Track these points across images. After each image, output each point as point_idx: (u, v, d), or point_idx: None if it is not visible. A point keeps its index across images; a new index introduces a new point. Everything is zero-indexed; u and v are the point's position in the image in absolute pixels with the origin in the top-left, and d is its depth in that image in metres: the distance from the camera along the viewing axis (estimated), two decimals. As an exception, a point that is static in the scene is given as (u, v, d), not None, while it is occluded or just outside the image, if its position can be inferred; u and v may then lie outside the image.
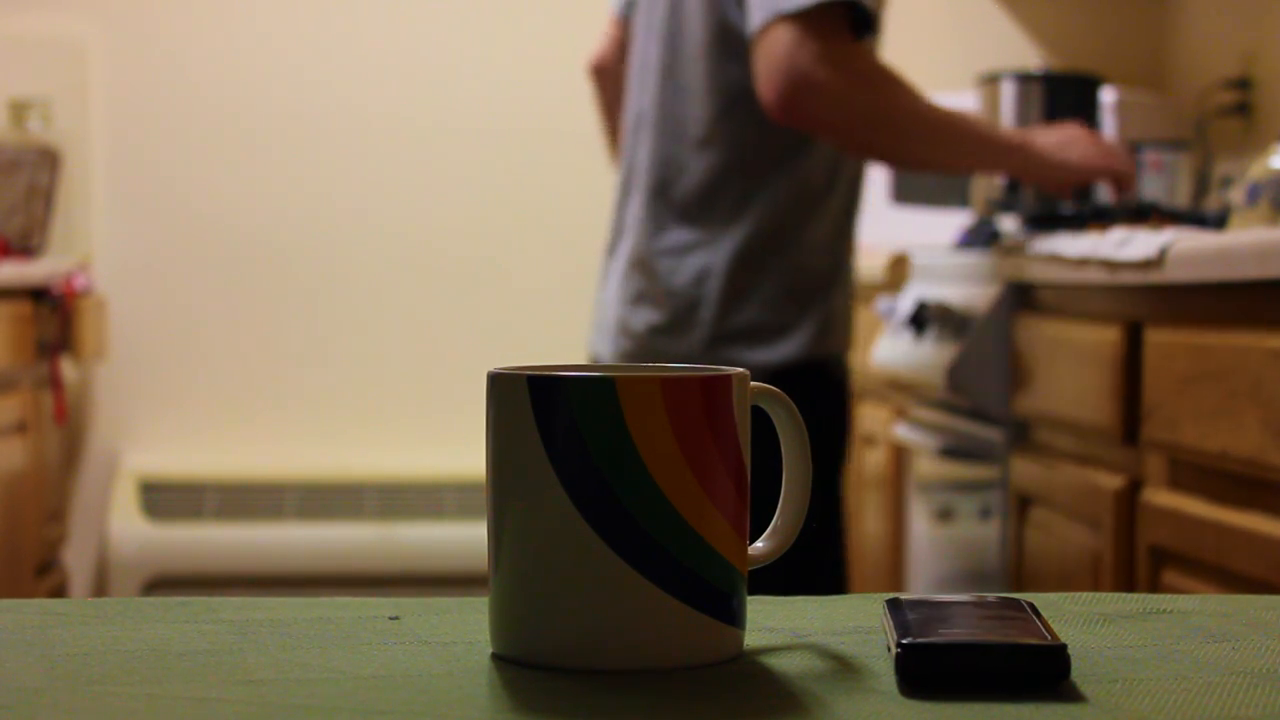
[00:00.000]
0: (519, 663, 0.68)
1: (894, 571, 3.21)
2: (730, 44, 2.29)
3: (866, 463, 3.44)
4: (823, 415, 2.31)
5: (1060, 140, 2.46)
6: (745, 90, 2.28)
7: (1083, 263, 2.29)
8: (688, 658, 0.67)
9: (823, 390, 2.33)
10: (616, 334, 2.37)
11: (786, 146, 2.32)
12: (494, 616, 0.69)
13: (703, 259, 2.30)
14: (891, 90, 2.33)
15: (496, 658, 0.69)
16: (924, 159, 2.47)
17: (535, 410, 0.67)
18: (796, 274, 2.33)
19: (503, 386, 0.68)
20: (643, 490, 0.66)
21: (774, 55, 2.16)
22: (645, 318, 2.33)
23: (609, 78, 2.61)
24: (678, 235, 2.32)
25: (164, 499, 3.82)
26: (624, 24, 2.54)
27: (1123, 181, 2.53)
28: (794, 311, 2.31)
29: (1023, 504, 2.60)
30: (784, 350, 2.30)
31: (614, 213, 2.45)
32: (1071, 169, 2.46)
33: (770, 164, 2.32)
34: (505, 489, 0.68)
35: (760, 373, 2.20)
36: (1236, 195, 2.26)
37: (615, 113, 2.61)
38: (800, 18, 2.15)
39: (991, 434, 2.74)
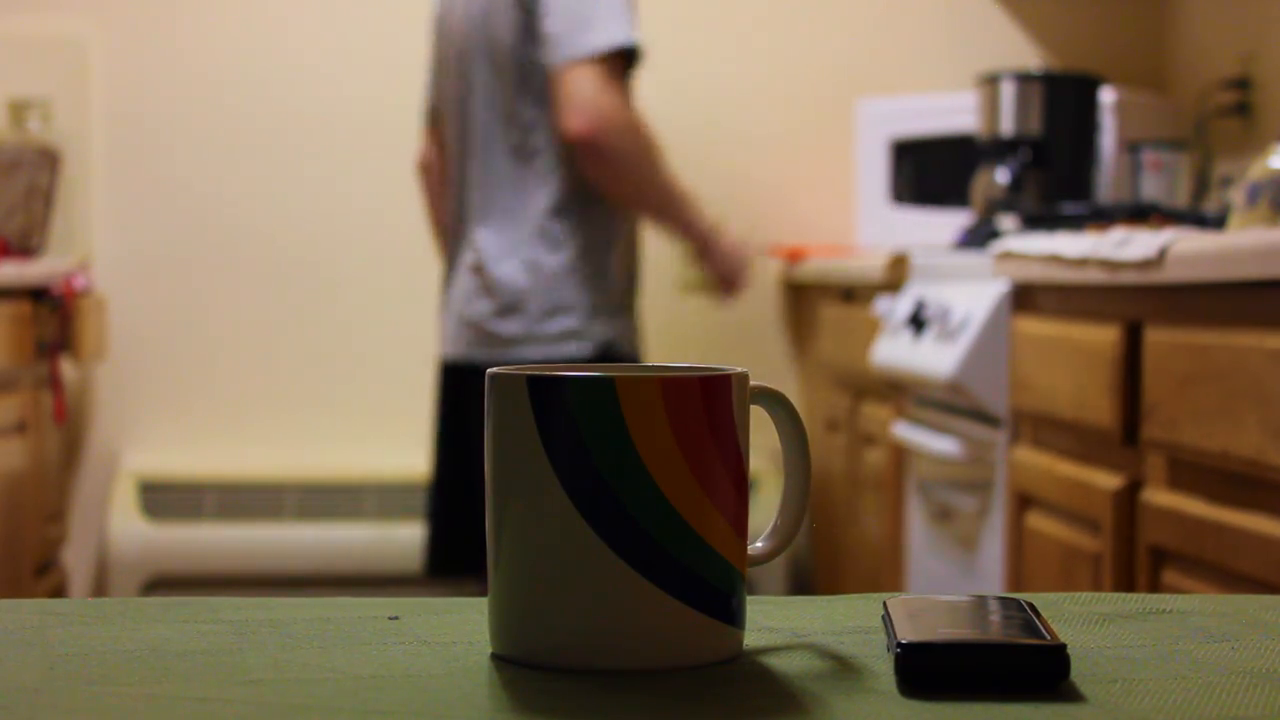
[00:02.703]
0: (519, 663, 0.68)
1: (894, 571, 3.20)
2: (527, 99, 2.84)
3: (866, 463, 3.44)
4: None
5: (731, 249, 3.03)
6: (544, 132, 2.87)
7: (1083, 263, 2.29)
8: (688, 658, 0.67)
9: None
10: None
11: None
12: (494, 616, 0.69)
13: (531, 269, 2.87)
14: (645, 134, 2.82)
15: (496, 658, 0.69)
16: (648, 200, 2.89)
17: (535, 410, 0.67)
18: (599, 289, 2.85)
19: (503, 386, 0.68)
20: (643, 490, 0.66)
21: (579, 92, 2.72)
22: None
23: (432, 174, 3.13)
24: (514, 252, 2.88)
25: (164, 499, 3.82)
26: (435, 129, 3.10)
27: (731, 290, 3.07)
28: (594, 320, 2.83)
29: (1022, 504, 2.60)
30: (578, 347, 2.78)
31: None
32: (716, 259, 3.00)
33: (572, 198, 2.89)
34: (505, 489, 0.68)
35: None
36: (1236, 195, 2.26)
37: (439, 204, 3.12)
38: (600, 60, 2.71)
39: (991, 434, 2.74)
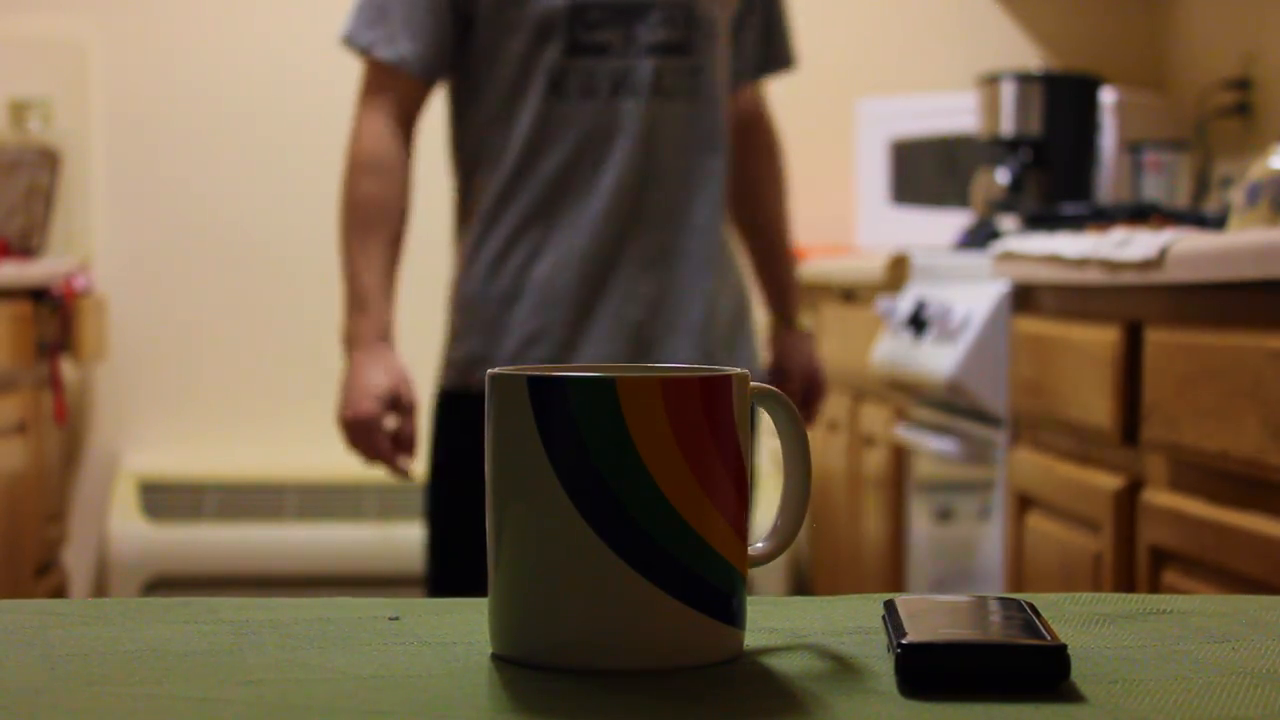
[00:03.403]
0: (519, 663, 0.68)
1: (894, 571, 3.20)
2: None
3: (866, 463, 3.44)
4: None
5: (358, 365, 2.19)
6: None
7: (1083, 263, 2.29)
8: (688, 658, 0.67)
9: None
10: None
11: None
12: (494, 617, 0.69)
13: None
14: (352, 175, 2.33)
15: (496, 658, 0.69)
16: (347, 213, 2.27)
17: (535, 410, 0.67)
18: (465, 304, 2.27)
19: (503, 387, 0.68)
20: (643, 490, 0.66)
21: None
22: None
23: None
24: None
25: (164, 499, 3.82)
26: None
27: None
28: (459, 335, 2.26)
29: (1023, 504, 2.60)
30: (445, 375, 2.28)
31: None
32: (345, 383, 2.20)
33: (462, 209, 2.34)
34: (505, 489, 0.68)
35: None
36: (1236, 195, 2.26)
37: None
38: (363, 56, 2.32)
39: (991, 434, 2.74)
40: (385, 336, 2.21)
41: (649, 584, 0.66)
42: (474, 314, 2.24)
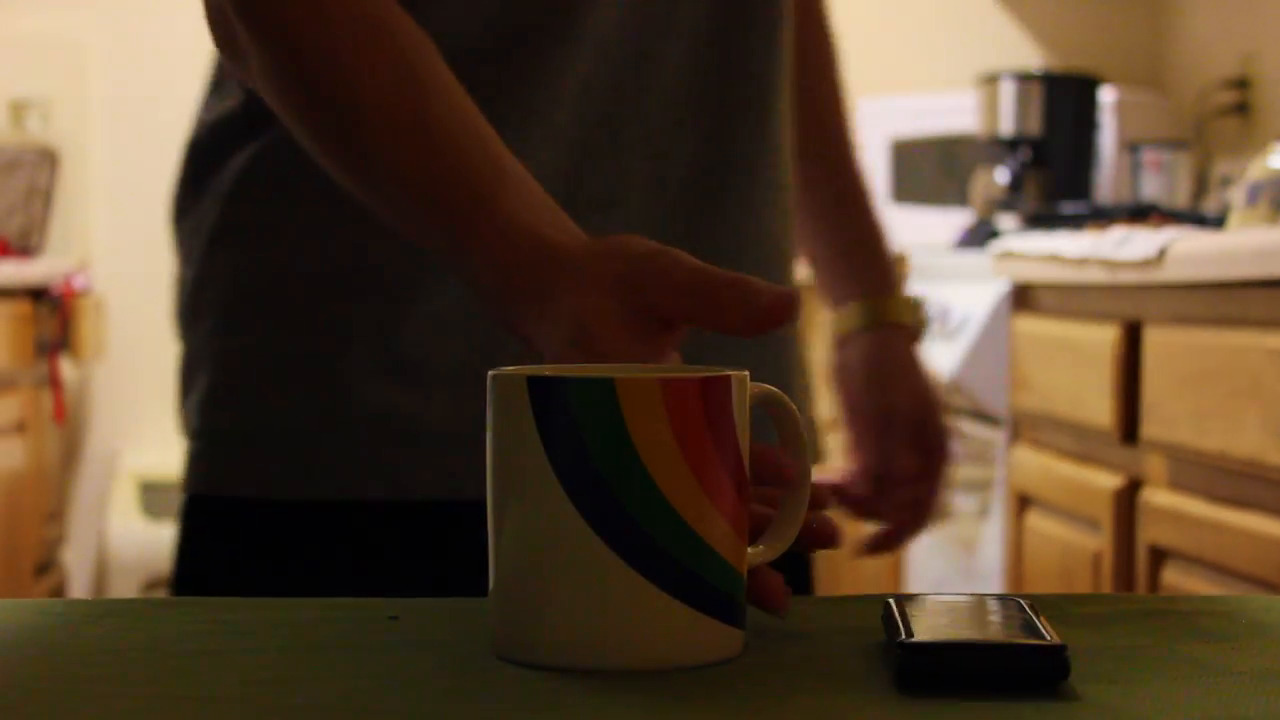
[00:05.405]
0: (519, 663, 0.68)
1: (894, 571, 3.20)
2: None
3: (866, 462, 3.44)
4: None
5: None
6: None
7: (1082, 262, 2.29)
8: (688, 657, 0.67)
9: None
10: None
11: None
12: (494, 617, 0.70)
13: None
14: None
15: (496, 658, 0.69)
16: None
17: (535, 411, 0.67)
18: None
19: (502, 387, 0.68)
20: (642, 490, 0.66)
21: None
22: None
23: None
24: None
25: (164, 499, 3.82)
26: None
27: None
28: None
29: (1022, 504, 2.59)
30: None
31: None
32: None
33: None
34: (505, 489, 0.68)
35: None
36: (1236, 195, 2.27)
37: None
38: None
39: (992, 434, 2.74)
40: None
41: (649, 584, 0.66)
42: None
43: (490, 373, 0.69)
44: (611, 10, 1.01)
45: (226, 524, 1.04)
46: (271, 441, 1.02)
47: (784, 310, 0.74)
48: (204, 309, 1.07)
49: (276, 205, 1.05)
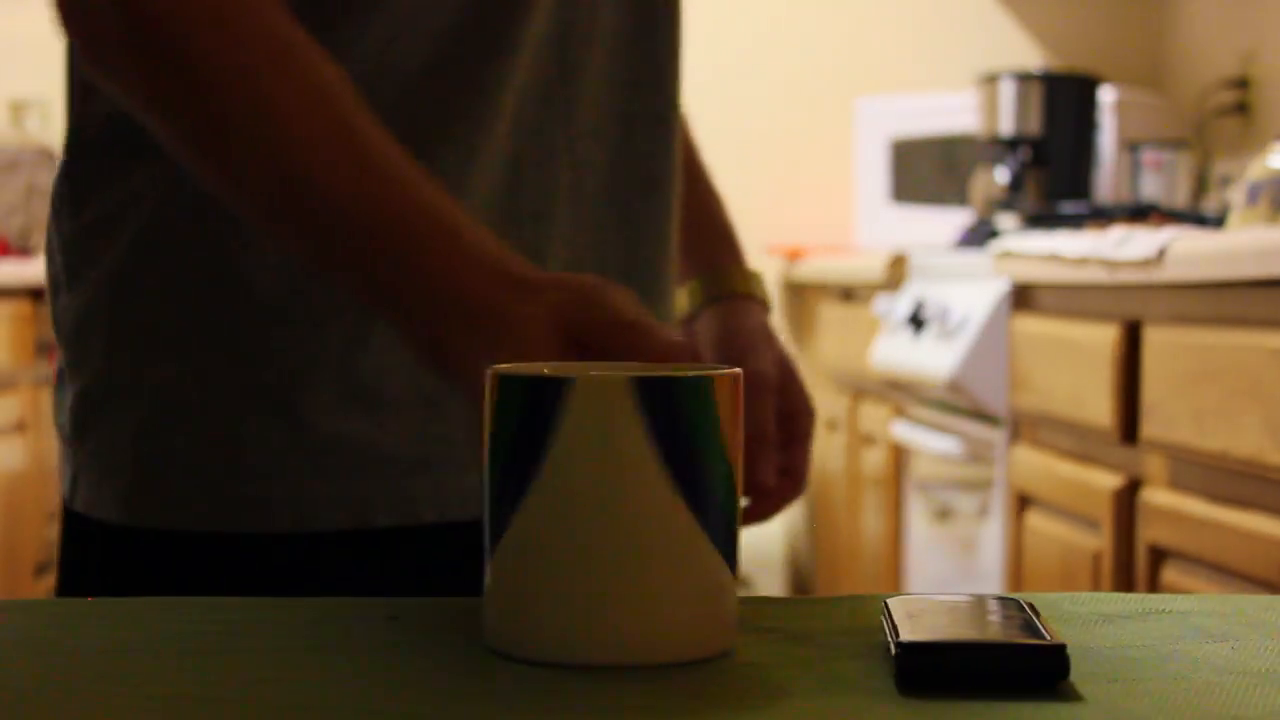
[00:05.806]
0: (516, 659, 0.68)
1: (894, 571, 3.21)
2: None
3: (866, 462, 3.44)
4: None
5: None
6: None
7: (1082, 262, 2.29)
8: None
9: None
10: None
11: None
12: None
13: None
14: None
15: (496, 657, 0.69)
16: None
17: (642, 410, 0.67)
18: None
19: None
20: (727, 484, 0.68)
21: None
22: None
23: None
24: None
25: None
26: None
27: None
28: None
29: (1022, 503, 2.60)
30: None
31: None
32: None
33: None
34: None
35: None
36: (1236, 195, 2.27)
37: None
38: None
39: (991, 434, 2.74)
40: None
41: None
42: None
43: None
44: (544, 19, 1.00)
45: (159, 558, 0.98)
46: (219, 473, 0.96)
47: (676, 359, 0.77)
48: (122, 332, 0.98)
49: (211, 217, 0.96)
